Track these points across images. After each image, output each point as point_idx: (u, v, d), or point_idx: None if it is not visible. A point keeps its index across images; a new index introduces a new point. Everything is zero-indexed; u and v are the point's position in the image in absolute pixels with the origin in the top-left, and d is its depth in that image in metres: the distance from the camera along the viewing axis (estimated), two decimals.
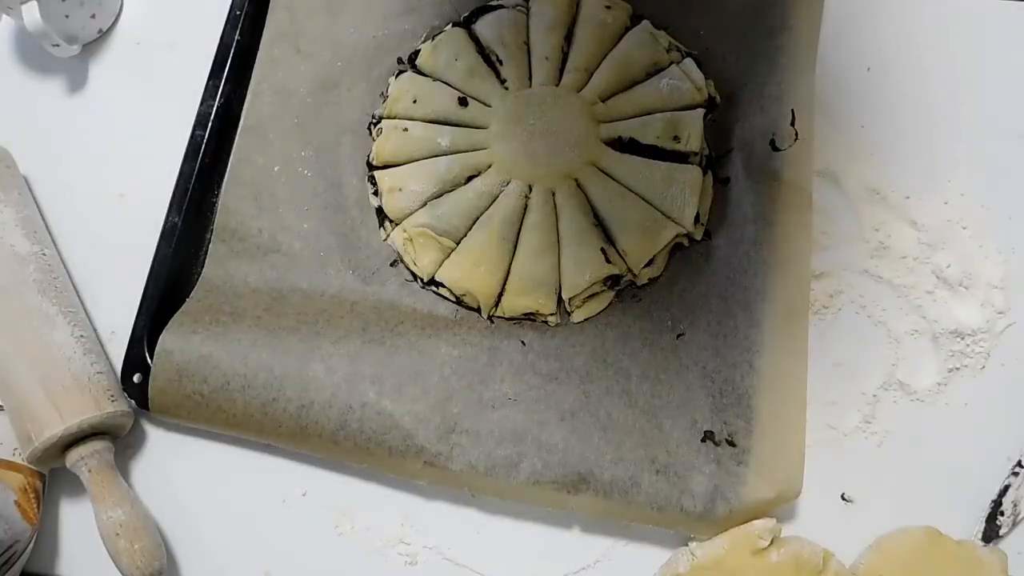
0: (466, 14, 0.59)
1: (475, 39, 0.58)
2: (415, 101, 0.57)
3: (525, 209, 0.54)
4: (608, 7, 0.58)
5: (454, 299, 0.54)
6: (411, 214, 0.55)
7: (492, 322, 0.54)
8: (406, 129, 0.56)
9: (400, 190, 0.55)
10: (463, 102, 0.57)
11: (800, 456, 0.49)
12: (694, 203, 0.53)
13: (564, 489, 0.49)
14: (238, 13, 0.61)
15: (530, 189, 0.55)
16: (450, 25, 0.59)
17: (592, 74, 0.57)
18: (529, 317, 0.53)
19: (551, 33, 0.57)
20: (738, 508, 0.47)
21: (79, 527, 0.53)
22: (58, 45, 0.62)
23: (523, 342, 0.53)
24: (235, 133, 0.59)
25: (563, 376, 0.51)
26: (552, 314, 0.53)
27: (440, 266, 0.54)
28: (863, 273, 0.55)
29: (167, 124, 0.60)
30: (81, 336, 0.54)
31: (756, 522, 0.48)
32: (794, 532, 0.49)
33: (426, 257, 0.54)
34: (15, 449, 0.52)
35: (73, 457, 0.50)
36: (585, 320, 0.53)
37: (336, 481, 0.53)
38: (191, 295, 0.55)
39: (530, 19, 0.58)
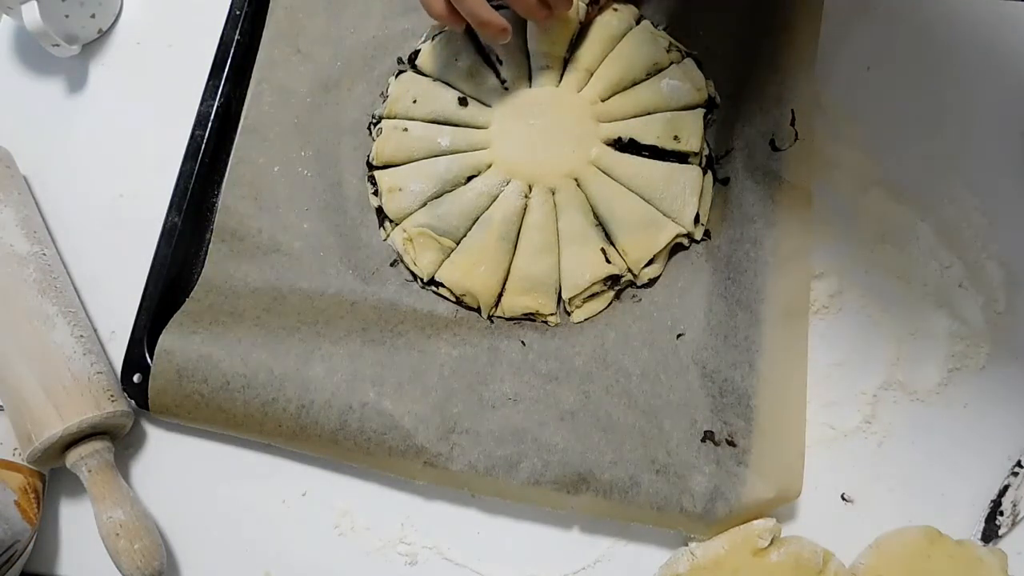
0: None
1: (475, 39, 0.58)
2: (415, 101, 0.57)
3: (525, 209, 0.54)
4: (615, 9, 0.58)
5: (454, 299, 0.54)
6: (411, 214, 0.55)
7: (492, 322, 0.54)
8: (406, 129, 0.56)
9: (400, 190, 0.55)
10: (463, 102, 0.57)
11: (800, 456, 0.49)
12: (694, 203, 0.53)
13: (564, 489, 0.49)
14: (238, 13, 0.61)
15: (530, 189, 0.55)
16: None
17: (592, 74, 0.56)
18: (529, 317, 0.53)
19: (553, 36, 0.57)
20: (738, 508, 0.47)
21: (79, 527, 0.53)
22: (58, 45, 0.62)
23: (523, 342, 0.53)
24: (235, 133, 0.59)
25: (563, 376, 0.51)
26: (552, 314, 0.53)
27: (440, 266, 0.54)
28: (863, 272, 0.55)
29: (167, 124, 0.60)
30: (81, 336, 0.54)
31: (756, 522, 0.48)
32: (794, 532, 0.49)
33: (426, 257, 0.54)
34: (15, 449, 0.52)
35: (73, 457, 0.50)
36: (585, 320, 0.53)
37: (336, 481, 0.53)
38: (191, 295, 0.55)
39: (531, 23, 0.58)
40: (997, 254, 0.54)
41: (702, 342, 0.51)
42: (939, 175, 0.56)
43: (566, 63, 0.57)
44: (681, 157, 0.55)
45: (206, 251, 0.57)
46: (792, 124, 0.54)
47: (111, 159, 0.62)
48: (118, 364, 0.54)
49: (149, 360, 0.53)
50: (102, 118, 0.63)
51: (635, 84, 0.56)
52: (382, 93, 0.59)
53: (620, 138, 0.55)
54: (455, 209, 0.54)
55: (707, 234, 0.54)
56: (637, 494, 0.48)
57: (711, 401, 0.50)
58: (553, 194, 0.54)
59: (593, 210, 0.54)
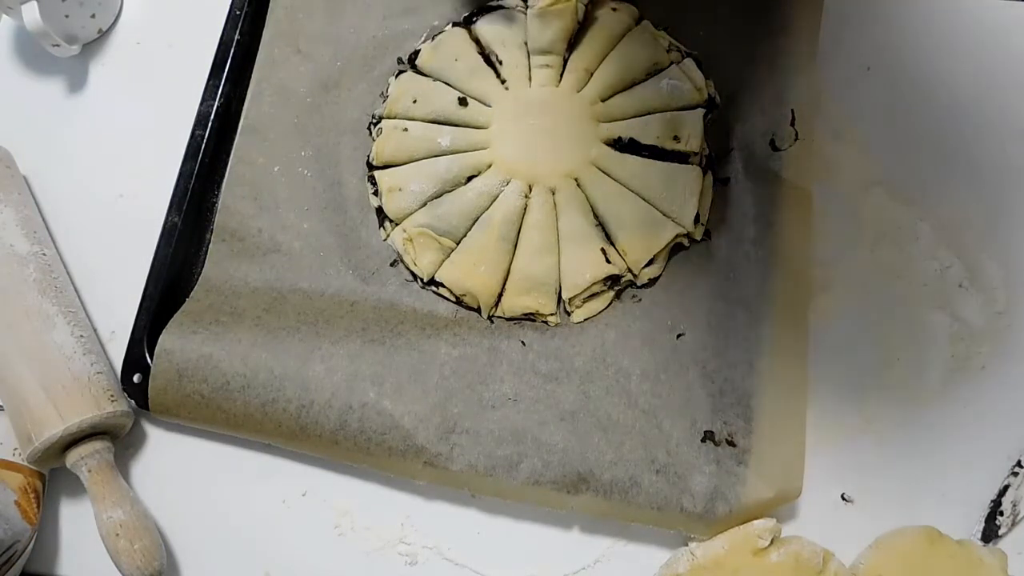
0: (466, 14, 0.59)
1: (475, 39, 0.58)
2: (415, 101, 0.57)
3: (525, 209, 0.54)
4: (614, 9, 0.58)
5: (454, 299, 0.54)
6: (411, 214, 0.55)
7: (492, 322, 0.54)
8: (406, 129, 0.56)
9: (400, 190, 0.55)
10: (463, 102, 0.57)
11: (800, 456, 0.49)
12: (694, 203, 0.53)
13: (564, 489, 0.49)
14: (238, 13, 0.61)
15: (530, 189, 0.55)
16: (450, 25, 0.60)
17: (592, 74, 0.57)
18: (529, 317, 0.53)
19: (552, 34, 0.57)
20: (738, 508, 0.47)
21: (79, 527, 0.53)
22: (58, 45, 0.62)
23: (523, 342, 0.53)
24: (235, 133, 0.59)
25: (563, 376, 0.51)
26: (552, 314, 0.53)
27: (440, 266, 0.54)
28: (863, 272, 0.55)
29: (167, 124, 0.60)
30: (81, 336, 0.54)
31: (756, 522, 0.48)
32: (794, 532, 0.49)
33: (426, 257, 0.54)
34: (15, 449, 0.52)
35: (73, 457, 0.50)
36: (585, 320, 0.53)
37: (336, 481, 0.53)
38: (191, 295, 0.55)
39: (530, 19, 0.58)
40: (997, 254, 0.54)
41: (702, 342, 0.51)
42: (939, 175, 0.56)
43: (566, 63, 0.57)
44: (681, 157, 0.55)
45: (206, 251, 0.57)
46: (792, 124, 0.54)
47: (111, 159, 0.62)
48: (118, 364, 0.54)
49: (149, 360, 0.53)
50: (102, 118, 0.63)
51: (635, 84, 0.56)
52: (382, 93, 0.59)
53: (620, 138, 0.55)
54: (455, 209, 0.54)
55: (707, 234, 0.54)
56: (637, 494, 0.48)
57: (711, 401, 0.50)
58: (553, 194, 0.54)
59: (593, 210, 0.54)
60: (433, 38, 0.59)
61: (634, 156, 0.55)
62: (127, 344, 0.54)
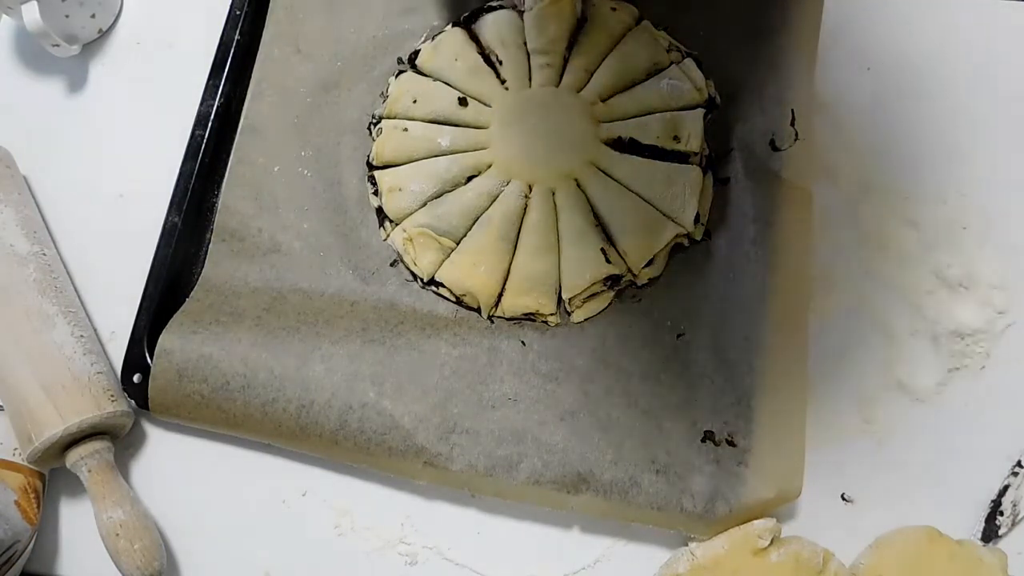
0: (466, 14, 0.59)
1: (475, 39, 0.58)
2: (415, 101, 0.57)
3: (525, 209, 0.54)
4: (613, 9, 0.58)
5: (454, 299, 0.54)
6: (411, 214, 0.55)
7: (492, 322, 0.54)
8: (406, 129, 0.56)
9: (400, 190, 0.55)
10: (463, 102, 0.57)
11: (800, 456, 0.49)
12: (694, 203, 0.53)
13: (564, 489, 0.49)
14: (238, 13, 0.61)
15: (530, 189, 0.55)
16: (450, 25, 0.60)
17: (592, 74, 0.57)
18: (529, 317, 0.53)
19: (552, 33, 0.57)
20: (738, 508, 0.47)
21: (79, 527, 0.53)
22: (58, 45, 0.62)
23: (523, 342, 0.53)
24: (235, 133, 0.59)
25: (563, 376, 0.51)
26: (552, 314, 0.53)
27: (440, 266, 0.54)
28: (863, 273, 0.55)
29: (167, 124, 0.60)
30: (81, 336, 0.54)
31: (756, 522, 0.48)
32: (794, 532, 0.49)
33: (426, 257, 0.54)
34: (15, 449, 0.52)
35: (73, 457, 0.50)
36: (585, 320, 0.53)
37: (336, 481, 0.53)
38: (191, 295, 0.55)
39: (528, 18, 0.58)
40: (997, 254, 0.54)
41: (702, 342, 0.51)
42: (939, 175, 0.56)
43: (566, 62, 0.57)
44: (681, 157, 0.55)
45: (206, 251, 0.57)
46: (792, 124, 0.54)
47: (111, 159, 0.62)
48: (118, 364, 0.54)
49: (149, 360, 0.53)
50: (102, 118, 0.63)
51: (635, 84, 0.56)
52: (382, 93, 0.59)
53: (620, 138, 0.55)
54: (455, 209, 0.54)
55: (707, 234, 0.54)
56: (637, 494, 0.48)
57: (711, 401, 0.50)
58: (553, 194, 0.54)
59: (593, 210, 0.54)
60: (433, 38, 0.59)
61: (634, 156, 0.55)
62: (127, 344, 0.54)
